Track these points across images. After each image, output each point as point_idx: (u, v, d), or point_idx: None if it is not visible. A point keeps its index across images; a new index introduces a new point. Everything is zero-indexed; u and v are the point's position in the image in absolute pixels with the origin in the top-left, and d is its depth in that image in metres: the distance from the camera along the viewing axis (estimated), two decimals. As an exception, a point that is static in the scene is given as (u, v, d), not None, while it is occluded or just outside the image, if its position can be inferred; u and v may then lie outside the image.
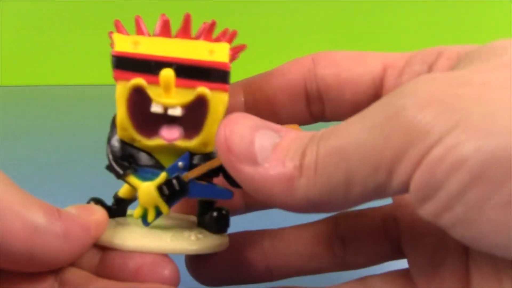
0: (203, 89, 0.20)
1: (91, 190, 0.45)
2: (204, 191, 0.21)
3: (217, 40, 0.21)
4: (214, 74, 0.20)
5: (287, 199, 0.18)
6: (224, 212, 0.22)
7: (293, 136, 0.19)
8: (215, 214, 0.22)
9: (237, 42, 0.23)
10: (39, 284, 0.20)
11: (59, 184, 0.46)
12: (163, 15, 0.22)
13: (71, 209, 0.20)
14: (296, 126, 0.19)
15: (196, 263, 0.24)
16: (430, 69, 0.21)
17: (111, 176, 0.22)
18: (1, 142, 0.54)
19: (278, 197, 0.18)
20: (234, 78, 0.21)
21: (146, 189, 0.21)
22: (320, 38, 0.83)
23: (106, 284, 0.20)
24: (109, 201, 0.23)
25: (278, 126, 0.19)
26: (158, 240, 0.21)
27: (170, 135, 0.21)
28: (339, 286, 0.22)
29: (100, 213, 0.21)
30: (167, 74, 0.20)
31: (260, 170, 0.18)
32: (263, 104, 0.23)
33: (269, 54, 0.81)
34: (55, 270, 0.20)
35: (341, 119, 0.19)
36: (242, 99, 0.24)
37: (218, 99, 0.20)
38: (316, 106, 0.23)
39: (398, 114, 0.15)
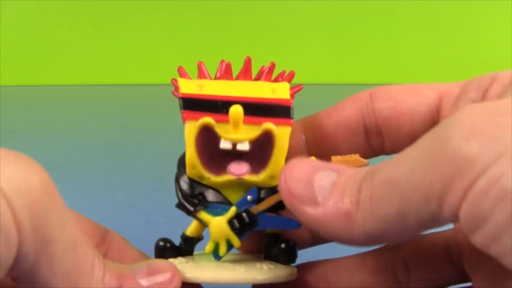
0: (269, 124, 0.21)
1: (91, 190, 0.45)
2: (274, 222, 0.22)
3: (276, 80, 0.23)
4: (279, 110, 0.22)
5: (347, 234, 0.19)
6: (291, 243, 0.23)
7: (350, 173, 0.20)
8: (283, 245, 0.23)
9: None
10: None
11: (59, 184, 0.45)
12: (223, 60, 0.23)
13: (143, 280, 0.21)
14: (357, 155, 0.20)
15: None
16: (484, 95, 0.22)
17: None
18: (1, 142, 0.54)
19: (339, 233, 0.19)
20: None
21: (218, 224, 0.22)
22: (320, 38, 0.83)
23: None
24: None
25: (336, 166, 0.20)
26: (232, 271, 0.22)
27: (239, 170, 0.22)
28: None
29: (170, 273, 0.21)
30: (236, 110, 0.21)
31: (320, 209, 0.19)
32: (324, 141, 0.24)
33: (269, 54, 0.81)
34: None
35: (401, 151, 0.20)
36: (303, 137, 0.25)
37: (283, 133, 0.21)
38: (375, 139, 0.24)
39: (445, 145, 0.16)
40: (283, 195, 0.20)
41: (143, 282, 0.21)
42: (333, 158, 0.20)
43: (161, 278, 0.21)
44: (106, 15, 0.80)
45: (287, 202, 0.20)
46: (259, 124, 0.21)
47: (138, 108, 0.71)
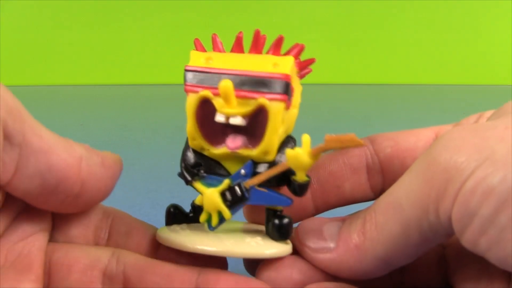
0: (262, 99, 0.21)
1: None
2: (264, 198, 0.22)
3: (286, 54, 0.23)
4: (274, 85, 0.21)
5: (360, 265, 0.21)
6: (285, 220, 0.23)
7: (354, 215, 0.22)
8: (276, 221, 0.23)
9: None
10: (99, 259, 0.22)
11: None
12: (240, 32, 0.23)
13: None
14: (352, 135, 0.20)
15: (253, 266, 0.25)
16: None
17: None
18: (1, 142, 0.54)
19: (354, 267, 0.21)
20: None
21: (210, 195, 0.22)
22: (320, 38, 0.83)
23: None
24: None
25: (341, 217, 0.23)
26: (218, 243, 0.22)
27: (233, 144, 0.22)
28: None
29: (114, 154, 0.24)
30: (225, 85, 0.21)
31: (334, 253, 0.21)
32: (327, 180, 0.25)
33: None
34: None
35: None
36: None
37: (276, 108, 0.21)
38: (377, 179, 0.25)
39: (437, 159, 0.18)
40: (298, 248, 0.22)
41: None
42: (327, 136, 0.20)
43: None
44: (106, 15, 0.80)
45: (306, 257, 0.22)
46: (254, 99, 0.21)
47: (138, 108, 0.71)
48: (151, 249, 0.24)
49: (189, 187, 0.23)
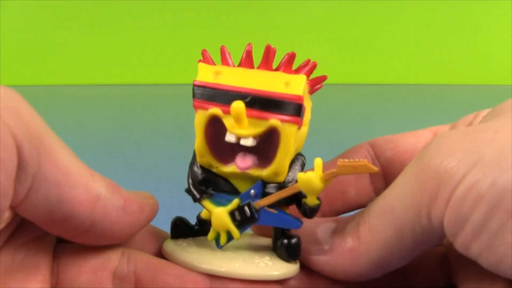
0: (274, 121, 0.21)
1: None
2: (273, 220, 0.22)
3: (297, 71, 0.22)
4: (287, 107, 0.21)
5: (355, 269, 0.21)
6: (294, 240, 0.23)
7: (347, 218, 0.22)
8: (285, 241, 0.23)
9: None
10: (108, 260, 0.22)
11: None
12: (248, 45, 0.22)
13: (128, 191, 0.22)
14: (365, 161, 0.20)
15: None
16: (470, 125, 0.24)
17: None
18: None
19: (349, 271, 0.21)
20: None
21: (219, 214, 0.22)
22: (320, 38, 0.83)
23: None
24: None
25: (336, 218, 0.23)
26: (227, 264, 0.22)
27: (243, 163, 0.22)
28: None
29: (154, 199, 0.23)
30: (237, 106, 0.20)
31: (328, 255, 0.22)
32: (332, 187, 0.25)
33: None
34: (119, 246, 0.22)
35: None
36: None
37: (289, 131, 0.21)
38: (379, 183, 0.25)
39: (428, 163, 0.19)
40: (301, 258, 0.22)
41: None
42: (339, 161, 0.20)
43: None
44: (106, 15, 0.81)
45: (305, 262, 0.22)
46: (266, 119, 0.21)
47: (138, 108, 0.71)
48: (158, 248, 0.24)
49: None
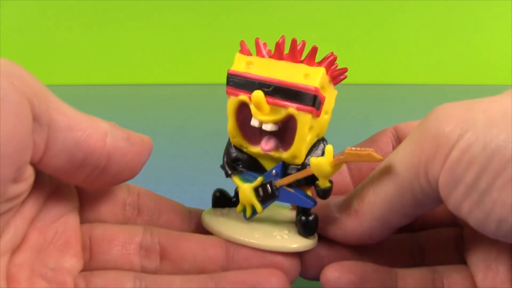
0: (292, 109, 0.23)
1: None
2: (291, 198, 0.25)
3: (320, 63, 0.24)
4: (304, 97, 0.23)
5: (362, 228, 0.23)
6: (311, 217, 0.25)
7: (355, 188, 0.24)
8: (303, 218, 0.25)
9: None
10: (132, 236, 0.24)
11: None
12: (282, 37, 0.25)
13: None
14: (371, 150, 0.22)
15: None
16: None
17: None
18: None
19: (358, 232, 0.23)
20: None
21: (245, 190, 0.25)
22: (320, 38, 0.83)
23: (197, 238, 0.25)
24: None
25: (348, 193, 0.25)
26: (248, 234, 0.25)
27: (266, 145, 0.24)
28: (410, 271, 0.25)
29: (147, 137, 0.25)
30: (256, 95, 0.23)
31: (338, 221, 0.24)
32: (363, 166, 0.28)
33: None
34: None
35: None
36: (346, 168, 0.29)
37: (304, 119, 0.23)
38: None
39: (429, 128, 0.20)
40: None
41: None
42: (347, 149, 0.22)
43: None
44: (106, 15, 0.81)
45: (320, 231, 0.25)
46: (285, 107, 0.23)
47: (138, 108, 0.71)
48: (183, 225, 0.26)
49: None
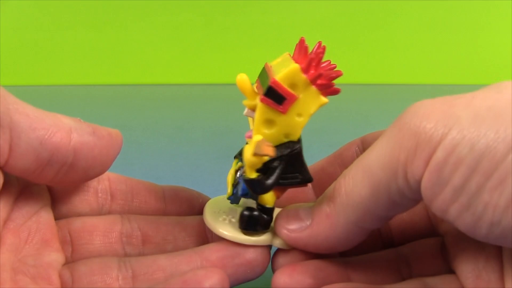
0: (258, 97, 0.24)
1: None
2: (243, 186, 0.25)
3: (302, 59, 0.24)
4: (267, 88, 0.23)
5: (336, 233, 0.22)
6: (248, 213, 0.25)
7: (326, 190, 0.23)
8: (245, 212, 0.25)
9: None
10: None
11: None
12: (300, 39, 0.25)
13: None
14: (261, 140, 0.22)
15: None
16: None
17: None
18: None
19: (331, 237, 0.22)
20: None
21: (229, 173, 0.25)
22: (320, 38, 0.83)
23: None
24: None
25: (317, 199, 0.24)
26: (220, 226, 0.25)
27: (247, 133, 0.25)
28: (401, 286, 0.24)
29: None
30: (239, 78, 0.23)
31: (309, 228, 0.22)
32: (326, 182, 0.27)
33: (269, 54, 0.81)
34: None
35: None
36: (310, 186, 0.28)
37: (259, 107, 0.23)
38: None
39: (407, 124, 0.19)
40: (285, 238, 0.24)
41: None
42: (257, 141, 0.22)
43: None
44: (106, 15, 0.81)
45: (286, 240, 0.23)
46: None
47: (138, 108, 0.71)
48: (158, 204, 0.26)
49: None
